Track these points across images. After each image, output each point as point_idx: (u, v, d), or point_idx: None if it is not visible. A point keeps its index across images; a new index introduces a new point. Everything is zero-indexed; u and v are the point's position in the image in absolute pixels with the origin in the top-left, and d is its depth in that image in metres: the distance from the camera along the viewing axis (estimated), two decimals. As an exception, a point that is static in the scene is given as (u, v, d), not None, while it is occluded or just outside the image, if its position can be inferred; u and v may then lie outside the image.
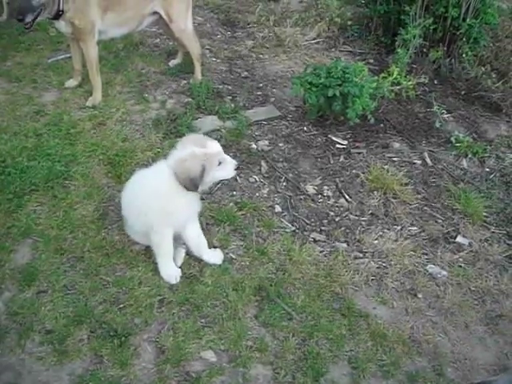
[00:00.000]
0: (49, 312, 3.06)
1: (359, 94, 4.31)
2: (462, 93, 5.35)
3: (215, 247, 3.49)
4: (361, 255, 3.63)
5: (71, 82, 4.91)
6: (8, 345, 2.91)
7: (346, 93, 4.28)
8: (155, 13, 4.77)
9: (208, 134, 4.37)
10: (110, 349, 2.90)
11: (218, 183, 3.35)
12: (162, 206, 3.12)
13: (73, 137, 4.28)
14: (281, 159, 4.32)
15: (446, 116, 4.97)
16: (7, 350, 2.88)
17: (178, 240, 3.34)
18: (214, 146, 3.12)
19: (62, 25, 4.41)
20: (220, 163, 3.12)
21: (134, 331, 2.99)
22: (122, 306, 3.12)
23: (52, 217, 3.64)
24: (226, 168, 3.17)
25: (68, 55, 5.09)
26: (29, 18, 4.17)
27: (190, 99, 4.81)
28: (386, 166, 4.30)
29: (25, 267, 3.31)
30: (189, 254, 3.42)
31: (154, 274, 3.30)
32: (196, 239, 3.36)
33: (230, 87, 5.14)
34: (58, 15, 4.28)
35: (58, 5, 4.23)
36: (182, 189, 3.09)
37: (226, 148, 4.29)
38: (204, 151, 3.06)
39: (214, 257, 3.41)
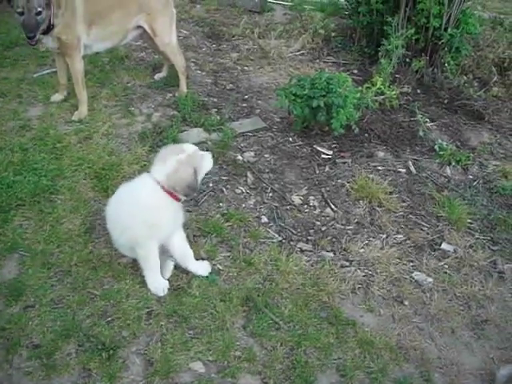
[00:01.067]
0: (36, 327, 3.05)
1: (343, 104, 4.36)
2: (445, 101, 5.43)
3: (202, 259, 3.50)
4: (347, 264, 3.66)
5: (57, 97, 4.93)
6: (-5, 361, 2.90)
7: (330, 103, 4.33)
8: (139, 27, 4.81)
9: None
10: (98, 362, 2.90)
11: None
12: (145, 218, 3.13)
13: (59, 151, 4.29)
14: (267, 170, 4.35)
15: (429, 125, 5.05)
16: (-6, 366, 2.88)
17: (166, 252, 3.35)
18: (190, 147, 3.24)
19: (49, 40, 4.43)
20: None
21: (122, 344, 2.99)
22: (109, 319, 3.12)
23: (39, 231, 3.63)
24: (206, 160, 3.30)
25: (53, 70, 5.12)
26: (38, 35, 4.24)
27: (176, 112, 4.84)
28: (370, 175, 4.34)
29: (12, 282, 3.30)
30: (177, 266, 3.43)
31: (141, 287, 3.30)
32: (182, 250, 3.38)
33: (215, 99, 5.18)
34: (49, 29, 4.32)
35: (50, 20, 4.27)
36: (166, 201, 3.13)
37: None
38: (186, 154, 3.14)
39: (201, 268, 3.42)
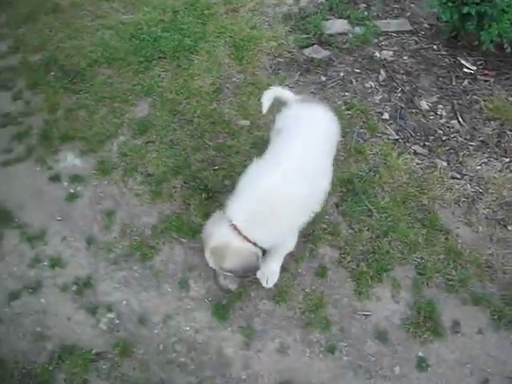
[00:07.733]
0: (153, 159, 3.41)
1: (497, 17, 4.03)
2: None
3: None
4: (458, 176, 3.56)
5: None
6: (113, 178, 3.32)
7: (483, 13, 4.02)
8: None
9: (334, 35, 4.41)
10: (197, 200, 3.19)
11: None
12: None
13: (206, 17, 4.50)
14: (401, 71, 4.23)
15: None
16: (112, 182, 3.29)
17: None
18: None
19: None
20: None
21: (222, 190, 3.24)
22: (216, 167, 3.38)
23: (173, 82, 3.93)
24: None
25: None
26: None
27: (324, 0, 4.79)
28: (511, 99, 4.07)
29: (141, 119, 3.67)
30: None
31: (251, 147, 3.49)
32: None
33: (366, -5, 5.03)
34: None
35: None
36: None
37: (349, 52, 4.29)
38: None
39: (266, 278, 2.94)
